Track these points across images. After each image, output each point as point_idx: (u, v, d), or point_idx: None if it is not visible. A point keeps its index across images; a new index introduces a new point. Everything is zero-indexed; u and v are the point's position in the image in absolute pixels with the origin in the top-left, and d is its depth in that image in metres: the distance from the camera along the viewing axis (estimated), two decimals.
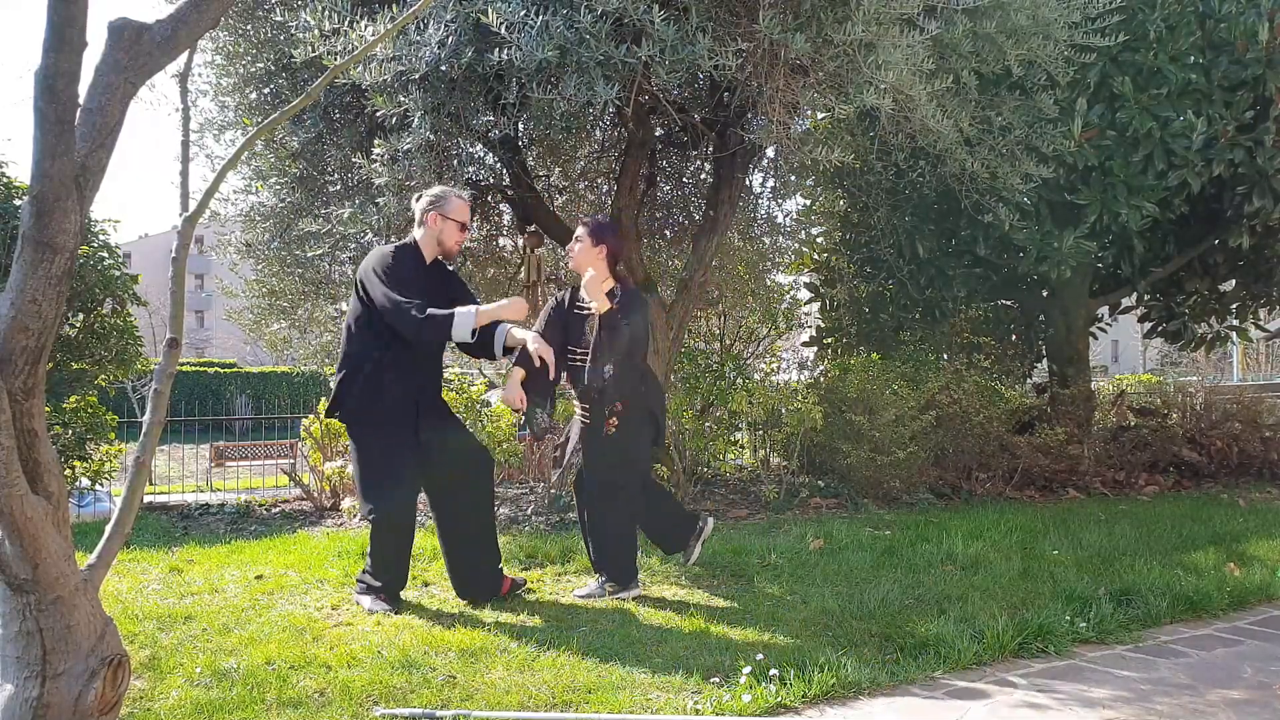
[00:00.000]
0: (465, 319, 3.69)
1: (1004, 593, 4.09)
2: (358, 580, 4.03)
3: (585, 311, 4.10)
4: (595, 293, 3.92)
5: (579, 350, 4.11)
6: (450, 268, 4.21)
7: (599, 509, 4.17)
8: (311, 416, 7.89)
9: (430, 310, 3.69)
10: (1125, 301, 8.84)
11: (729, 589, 4.23)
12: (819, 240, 8.97)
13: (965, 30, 4.43)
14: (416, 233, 4.03)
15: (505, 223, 7.84)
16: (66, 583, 1.94)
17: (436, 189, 4.10)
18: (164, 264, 2.37)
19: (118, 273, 6.41)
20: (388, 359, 3.83)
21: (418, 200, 4.07)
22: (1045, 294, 8.34)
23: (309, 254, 5.72)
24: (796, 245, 8.73)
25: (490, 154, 6.24)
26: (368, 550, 4.01)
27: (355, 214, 4.99)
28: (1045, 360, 8.88)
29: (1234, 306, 8.78)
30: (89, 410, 6.37)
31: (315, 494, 7.09)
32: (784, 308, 7.71)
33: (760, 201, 7.93)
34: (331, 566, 4.66)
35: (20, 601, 1.92)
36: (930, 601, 3.95)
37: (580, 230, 4.13)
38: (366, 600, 3.92)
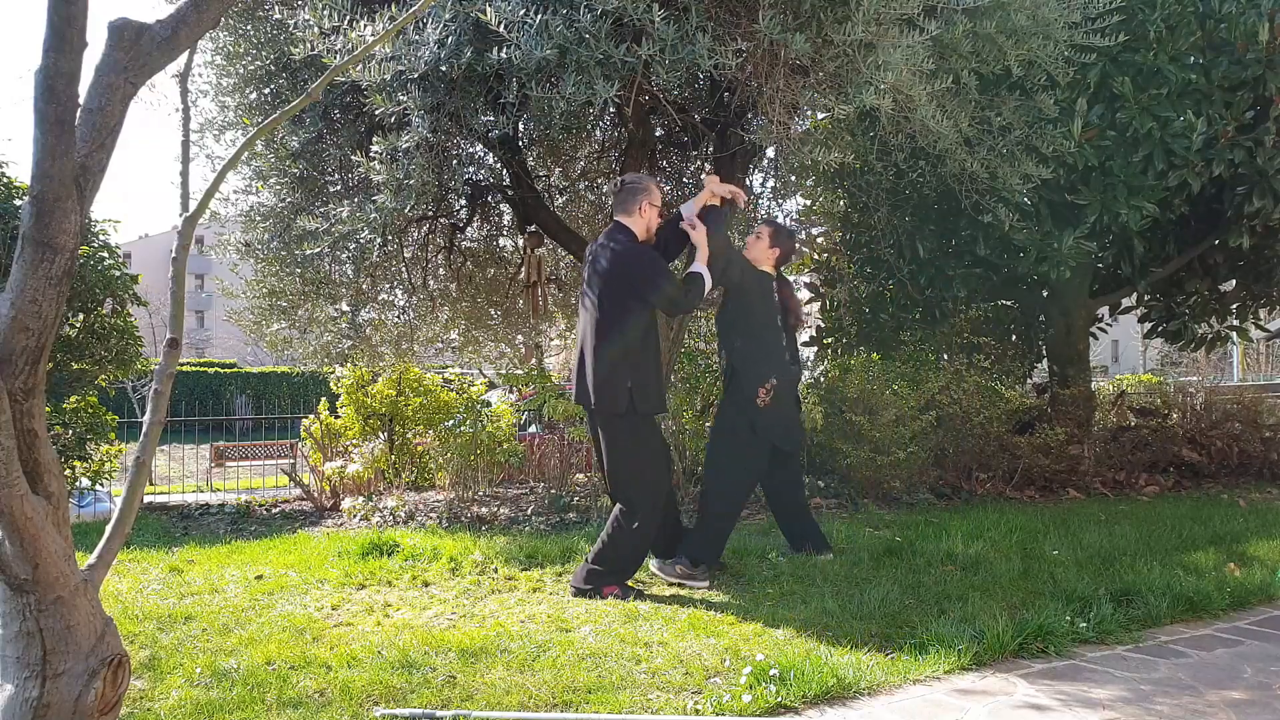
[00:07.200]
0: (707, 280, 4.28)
1: (1004, 593, 4.08)
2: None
3: None
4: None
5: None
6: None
7: None
8: (311, 417, 7.89)
9: (688, 286, 4.26)
10: (1125, 301, 8.82)
11: (729, 589, 4.23)
12: (819, 240, 8.97)
13: (965, 30, 4.42)
14: (628, 220, 4.27)
15: (505, 223, 7.83)
16: (66, 583, 1.94)
17: (632, 177, 4.41)
18: (164, 264, 2.37)
19: (118, 273, 6.42)
20: (652, 352, 4.23)
21: (620, 191, 4.32)
22: (1045, 294, 8.33)
23: (308, 252, 5.72)
24: (796, 245, 8.73)
25: (490, 154, 6.23)
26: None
27: (354, 212, 4.99)
28: (1045, 360, 8.87)
29: (1234, 306, 8.76)
30: (89, 410, 6.38)
31: (315, 494, 7.09)
32: None
33: (760, 201, 7.93)
34: (331, 566, 4.66)
35: (20, 601, 1.92)
36: (930, 601, 3.95)
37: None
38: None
